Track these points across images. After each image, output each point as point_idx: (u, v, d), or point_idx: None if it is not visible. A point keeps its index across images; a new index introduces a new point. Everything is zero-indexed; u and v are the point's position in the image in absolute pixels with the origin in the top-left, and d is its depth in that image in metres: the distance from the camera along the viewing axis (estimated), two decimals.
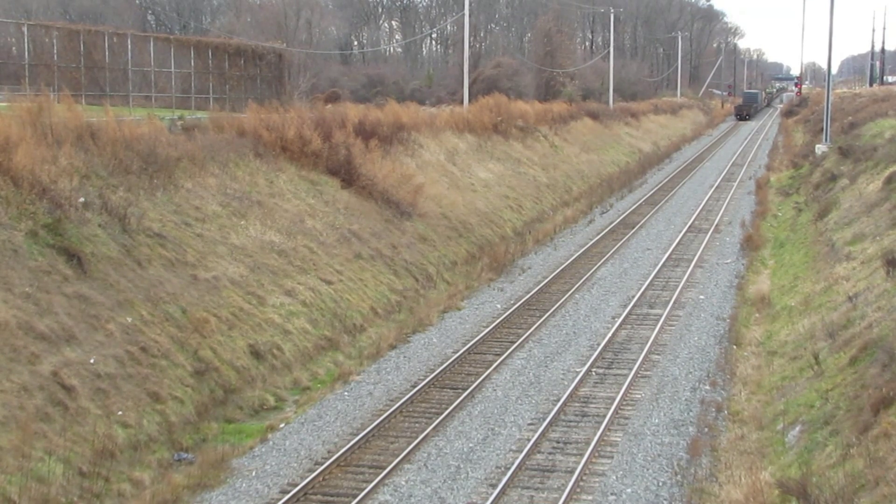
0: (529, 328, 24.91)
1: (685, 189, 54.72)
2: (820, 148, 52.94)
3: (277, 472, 16.30)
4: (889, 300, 19.83)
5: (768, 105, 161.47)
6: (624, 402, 19.40)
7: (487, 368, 21.62)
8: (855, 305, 21.10)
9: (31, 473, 13.95)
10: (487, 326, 25.03)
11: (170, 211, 23.16)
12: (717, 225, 41.20)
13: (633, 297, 28.21)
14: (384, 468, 16.13)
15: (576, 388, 20.19)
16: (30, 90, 26.37)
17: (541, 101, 70.42)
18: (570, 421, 18.54)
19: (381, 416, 18.59)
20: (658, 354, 22.79)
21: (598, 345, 23.36)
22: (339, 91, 61.70)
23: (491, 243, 35.35)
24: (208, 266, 22.09)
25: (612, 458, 16.75)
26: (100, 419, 16.01)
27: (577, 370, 21.56)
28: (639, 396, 19.89)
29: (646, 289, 29.19)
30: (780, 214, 42.38)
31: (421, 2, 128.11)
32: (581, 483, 15.68)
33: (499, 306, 27.48)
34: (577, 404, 19.45)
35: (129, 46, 41.28)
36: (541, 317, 26.02)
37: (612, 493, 15.39)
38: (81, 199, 20.31)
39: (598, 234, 38.95)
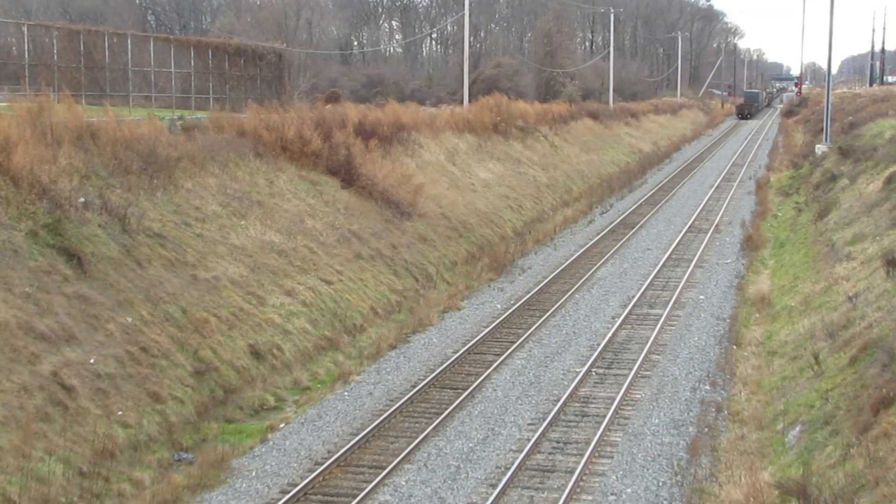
0: (529, 328, 24.91)
1: (685, 189, 54.73)
2: (820, 148, 52.93)
3: (277, 472, 16.30)
4: (889, 300, 19.83)
5: (768, 105, 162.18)
6: (624, 402, 19.40)
7: (487, 368, 21.63)
8: (855, 305, 21.10)
9: (31, 473, 13.95)
10: (487, 326, 25.03)
11: (170, 211, 23.17)
12: (717, 225, 41.20)
13: (633, 297, 28.21)
14: (384, 468, 16.13)
15: (576, 389, 20.19)
16: (30, 90, 26.35)
17: (541, 101, 70.43)
18: (570, 421, 18.54)
19: (381, 416, 18.59)
20: (658, 354, 22.79)
21: (598, 345, 23.36)
22: (339, 91, 61.68)
23: (491, 243, 35.36)
24: (208, 266, 22.10)
25: (612, 458, 16.75)
26: (100, 419, 16.01)
27: (577, 370, 21.56)
28: (639, 396, 19.89)
29: (646, 289, 29.19)
30: (780, 214, 42.38)
31: (421, 2, 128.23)
32: (581, 483, 15.68)
33: (499, 306, 27.49)
34: (577, 404, 19.45)
35: (129, 46, 41.28)
36: (541, 317, 26.02)
37: (612, 494, 15.39)
38: (81, 199, 20.31)
39: (598, 234, 38.95)
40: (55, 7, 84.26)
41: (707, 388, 20.42)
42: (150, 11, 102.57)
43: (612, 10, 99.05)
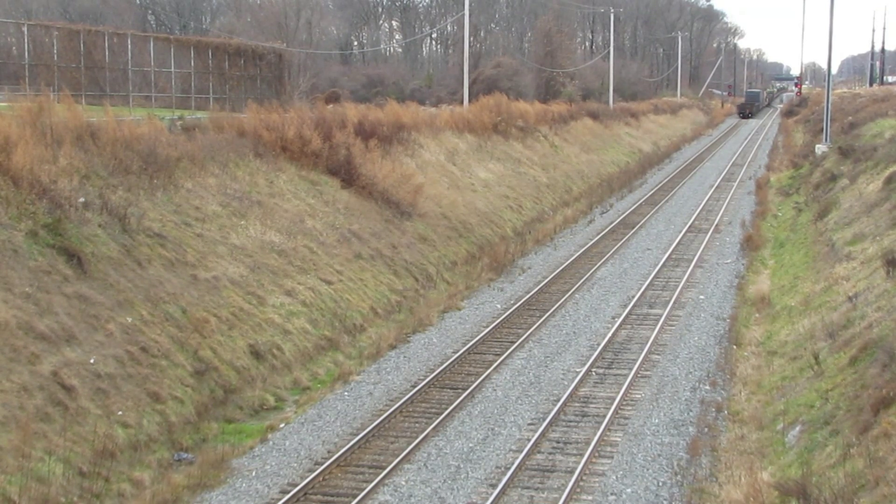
0: (529, 328, 24.91)
1: (685, 189, 54.72)
2: (820, 148, 52.93)
3: (277, 472, 16.30)
4: (889, 300, 19.83)
5: (769, 105, 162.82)
6: (624, 402, 19.40)
7: (487, 368, 21.62)
8: (855, 305, 21.10)
9: (31, 473, 13.95)
10: (487, 326, 25.03)
11: (170, 211, 23.17)
12: (717, 225, 41.21)
13: (633, 297, 28.21)
14: (384, 468, 16.13)
15: (576, 388, 20.19)
16: (30, 90, 26.33)
17: (541, 101, 70.44)
18: (570, 421, 18.54)
19: (381, 416, 18.59)
20: (658, 354, 22.79)
21: (598, 345, 23.36)
22: (339, 91, 61.70)
23: (491, 243, 35.35)
24: (208, 266, 22.10)
25: (612, 458, 16.75)
26: (100, 419, 16.01)
27: (577, 370, 21.56)
28: (639, 396, 19.89)
29: (646, 289, 29.19)
30: (780, 214, 42.38)
31: (421, 2, 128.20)
32: (581, 483, 15.68)
33: (499, 306, 27.48)
34: (577, 404, 19.45)
35: (129, 46, 41.27)
36: (541, 317, 26.02)
37: (612, 493, 15.39)
38: (81, 199, 20.31)
39: (598, 234, 38.95)
40: (55, 7, 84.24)
41: (707, 388, 20.42)
42: (150, 11, 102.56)
43: (612, 10, 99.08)
